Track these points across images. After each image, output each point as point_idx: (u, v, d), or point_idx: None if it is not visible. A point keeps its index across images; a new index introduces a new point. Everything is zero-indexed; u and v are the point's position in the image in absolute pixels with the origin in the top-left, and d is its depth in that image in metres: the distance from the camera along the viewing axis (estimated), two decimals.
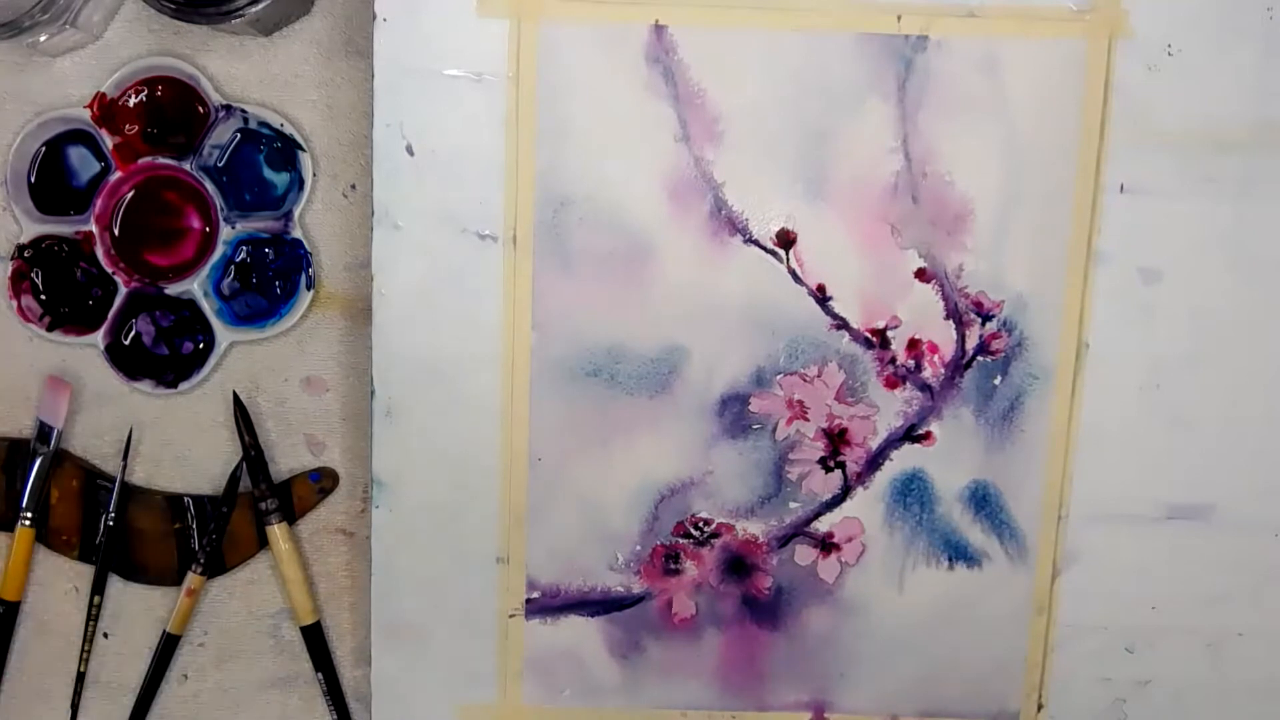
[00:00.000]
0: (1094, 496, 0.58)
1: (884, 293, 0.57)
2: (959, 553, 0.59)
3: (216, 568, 0.61)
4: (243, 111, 0.59)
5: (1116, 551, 0.59)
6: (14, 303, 0.59)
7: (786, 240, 0.57)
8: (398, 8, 0.55)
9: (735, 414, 0.58)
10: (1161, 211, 0.57)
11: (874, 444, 0.58)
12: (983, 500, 0.58)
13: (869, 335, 0.58)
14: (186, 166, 0.59)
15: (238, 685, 0.62)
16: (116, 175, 0.59)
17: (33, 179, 0.59)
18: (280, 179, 0.60)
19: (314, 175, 0.59)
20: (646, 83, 0.56)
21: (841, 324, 0.58)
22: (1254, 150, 0.57)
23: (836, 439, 0.58)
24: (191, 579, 0.61)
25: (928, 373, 0.58)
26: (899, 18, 0.56)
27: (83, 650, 0.61)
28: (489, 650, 0.59)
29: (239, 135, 0.59)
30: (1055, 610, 0.59)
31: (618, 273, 0.57)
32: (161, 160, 0.59)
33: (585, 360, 0.58)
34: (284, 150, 0.59)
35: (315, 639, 0.61)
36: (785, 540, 0.59)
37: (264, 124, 0.59)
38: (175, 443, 0.61)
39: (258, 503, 0.60)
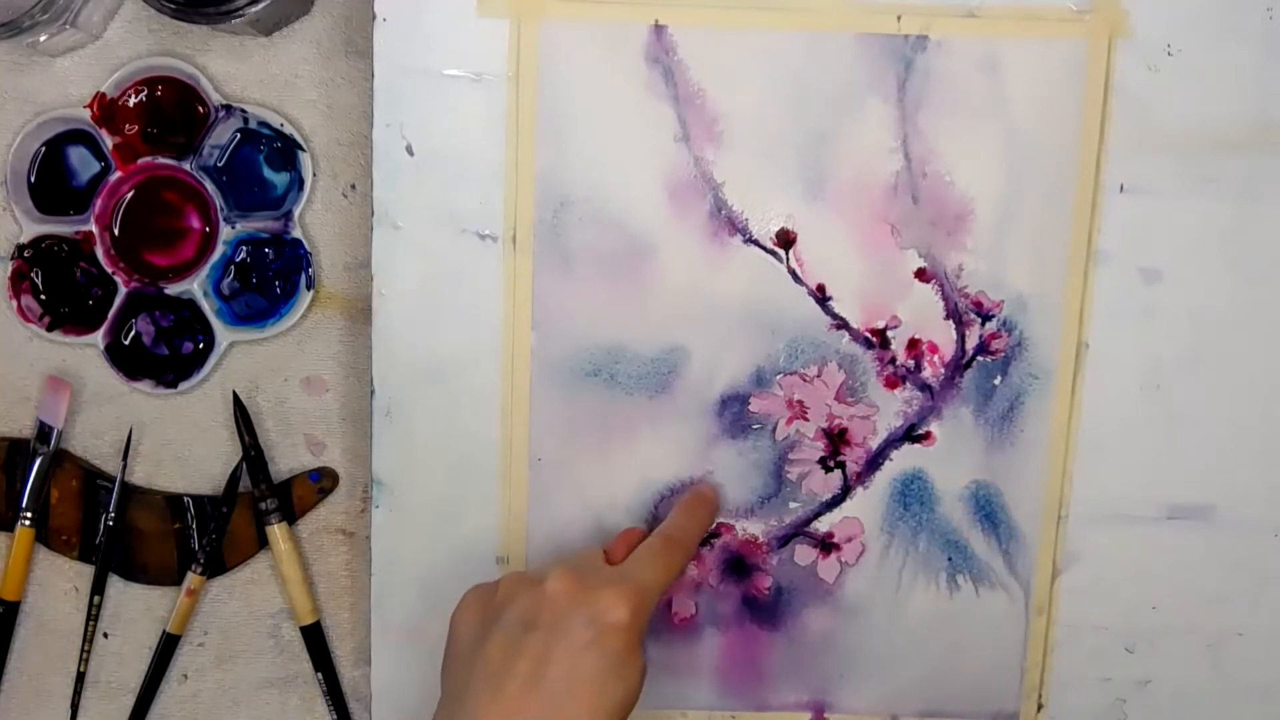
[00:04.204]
0: (1094, 497, 0.58)
1: (884, 293, 0.57)
2: (959, 553, 0.59)
3: (216, 568, 0.61)
4: (243, 111, 0.59)
5: (1116, 552, 0.59)
6: (14, 303, 0.60)
7: (786, 240, 0.57)
8: (398, 8, 0.56)
9: (735, 414, 0.58)
10: (1161, 211, 0.57)
11: (874, 444, 0.58)
12: (983, 500, 0.58)
13: (869, 335, 0.58)
14: (186, 166, 0.59)
15: (237, 685, 0.62)
16: (116, 175, 0.59)
17: (33, 179, 0.59)
18: (280, 179, 0.60)
19: (314, 175, 0.59)
20: (646, 83, 0.56)
21: (841, 324, 0.58)
22: (1254, 150, 0.57)
23: (836, 439, 0.58)
24: (191, 579, 0.61)
25: (928, 373, 0.58)
26: (899, 18, 0.56)
27: (83, 650, 0.61)
28: None
29: (239, 135, 0.59)
30: (1055, 610, 0.59)
31: (618, 273, 0.57)
32: (161, 160, 0.59)
33: (585, 360, 0.58)
34: (284, 150, 0.59)
35: (315, 639, 0.61)
36: (785, 540, 0.59)
37: (264, 124, 0.59)
38: (175, 443, 0.61)
39: (258, 503, 0.60)
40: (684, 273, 0.57)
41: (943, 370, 0.58)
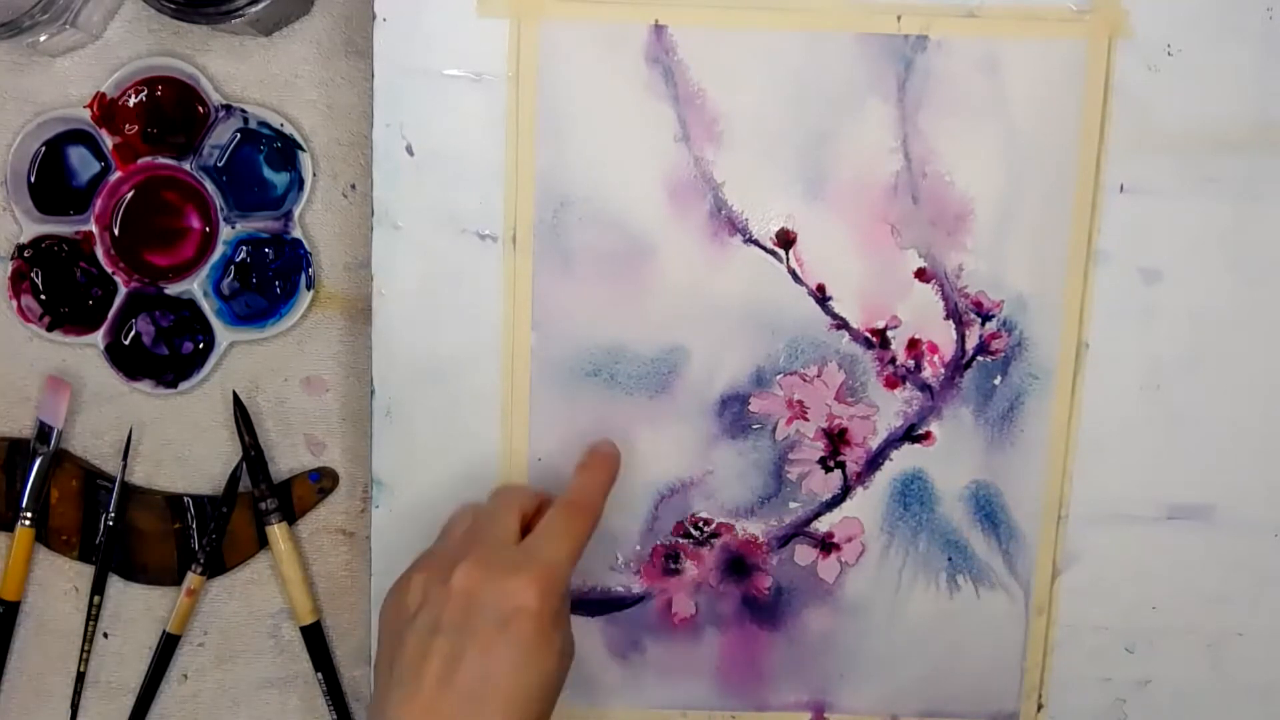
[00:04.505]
0: (1094, 497, 0.58)
1: (884, 293, 0.57)
2: (959, 553, 0.59)
3: (216, 568, 0.61)
4: (243, 111, 0.59)
5: (1116, 552, 0.59)
6: (14, 303, 0.60)
7: (786, 240, 0.57)
8: (398, 8, 0.56)
9: (735, 414, 0.58)
10: (1161, 211, 0.57)
11: (874, 444, 0.58)
12: (983, 500, 0.58)
13: (869, 335, 0.58)
14: (186, 166, 0.59)
15: (237, 685, 0.62)
16: (116, 175, 0.59)
17: (33, 179, 0.59)
18: (280, 179, 0.60)
19: (314, 175, 0.59)
20: (646, 83, 0.56)
21: (841, 324, 0.58)
22: (1254, 150, 0.57)
23: (836, 439, 0.58)
24: (191, 579, 0.61)
25: (928, 373, 0.58)
26: (899, 18, 0.56)
27: (83, 650, 0.61)
28: None
29: (239, 135, 0.59)
30: (1055, 610, 0.59)
31: (618, 273, 0.57)
32: (161, 160, 0.59)
33: (585, 360, 0.58)
34: (284, 150, 0.59)
35: (315, 639, 0.61)
36: (785, 540, 0.59)
37: (264, 124, 0.59)
38: (175, 443, 0.61)
39: (258, 503, 0.60)
40: (684, 273, 0.57)
41: (943, 370, 0.58)
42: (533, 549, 0.50)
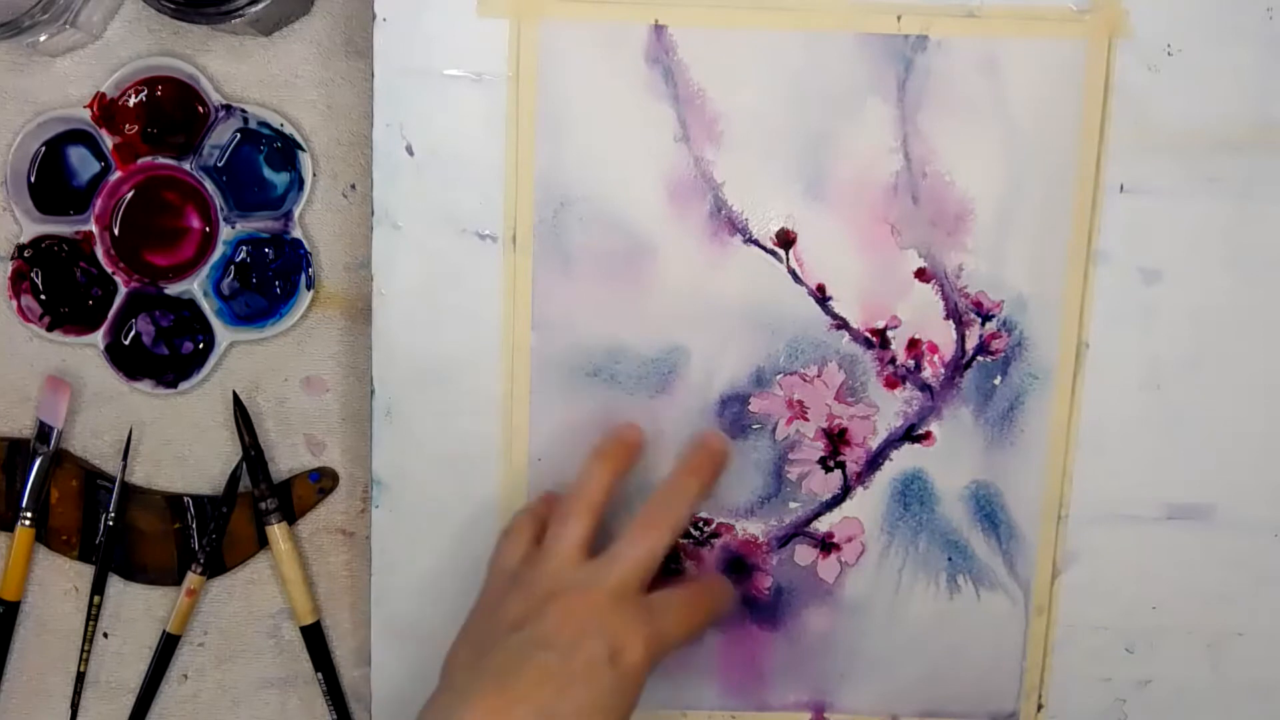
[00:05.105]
0: (1094, 496, 0.58)
1: (884, 293, 0.57)
2: (959, 553, 0.59)
3: (216, 568, 0.61)
4: (243, 111, 0.59)
5: (1116, 551, 0.59)
6: (14, 303, 0.60)
7: (786, 240, 0.57)
8: (398, 8, 0.56)
9: (735, 414, 0.58)
10: (1161, 211, 0.57)
11: (874, 444, 0.58)
12: (983, 500, 0.58)
13: (869, 335, 0.58)
14: (186, 166, 0.59)
15: (237, 685, 0.62)
16: (116, 175, 0.59)
17: (33, 179, 0.60)
18: (280, 179, 0.60)
19: (314, 175, 0.59)
20: (646, 83, 0.56)
21: (841, 324, 0.58)
22: (1254, 150, 0.57)
23: (836, 439, 0.58)
24: (191, 579, 0.61)
25: (928, 373, 0.58)
26: (899, 18, 0.56)
27: (83, 650, 0.61)
28: None
29: (239, 135, 0.59)
30: (1055, 610, 0.59)
31: (618, 273, 0.57)
32: (161, 160, 0.59)
33: (585, 360, 0.58)
34: (284, 150, 0.59)
35: (315, 639, 0.61)
36: (785, 540, 0.59)
37: (264, 124, 0.59)
38: (175, 443, 0.61)
39: (258, 503, 0.60)
40: (684, 273, 0.57)
41: (943, 370, 0.58)
42: (659, 611, 0.51)
